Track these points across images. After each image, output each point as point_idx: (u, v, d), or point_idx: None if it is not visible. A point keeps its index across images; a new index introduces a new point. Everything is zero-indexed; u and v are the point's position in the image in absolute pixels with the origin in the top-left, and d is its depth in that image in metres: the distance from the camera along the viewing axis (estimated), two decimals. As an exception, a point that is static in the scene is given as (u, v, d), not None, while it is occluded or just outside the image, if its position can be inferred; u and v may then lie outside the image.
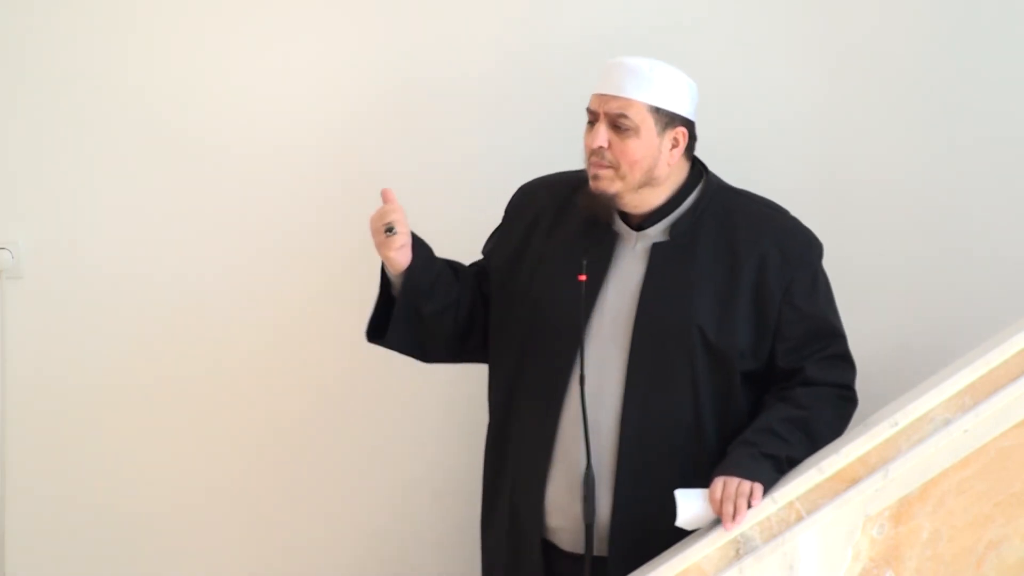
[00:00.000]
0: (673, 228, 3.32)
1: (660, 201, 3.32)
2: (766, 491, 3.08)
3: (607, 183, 3.28)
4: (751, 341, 3.27)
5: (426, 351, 3.46)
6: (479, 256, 3.52)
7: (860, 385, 3.35)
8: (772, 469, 3.12)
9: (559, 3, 3.82)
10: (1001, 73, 3.72)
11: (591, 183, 3.30)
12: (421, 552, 3.94)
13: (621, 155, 3.27)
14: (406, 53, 3.86)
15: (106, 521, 4.01)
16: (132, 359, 3.98)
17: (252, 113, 3.91)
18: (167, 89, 3.92)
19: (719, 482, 3.10)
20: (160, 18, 3.91)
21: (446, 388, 3.89)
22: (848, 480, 3.05)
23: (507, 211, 3.50)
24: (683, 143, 3.30)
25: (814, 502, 3.05)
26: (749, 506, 3.05)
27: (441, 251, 3.43)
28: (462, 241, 3.54)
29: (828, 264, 3.36)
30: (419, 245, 3.35)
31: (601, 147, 3.27)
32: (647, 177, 3.29)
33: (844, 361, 3.32)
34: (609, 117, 3.27)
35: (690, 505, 3.11)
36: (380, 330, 3.41)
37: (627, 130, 3.26)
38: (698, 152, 3.37)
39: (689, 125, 3.32)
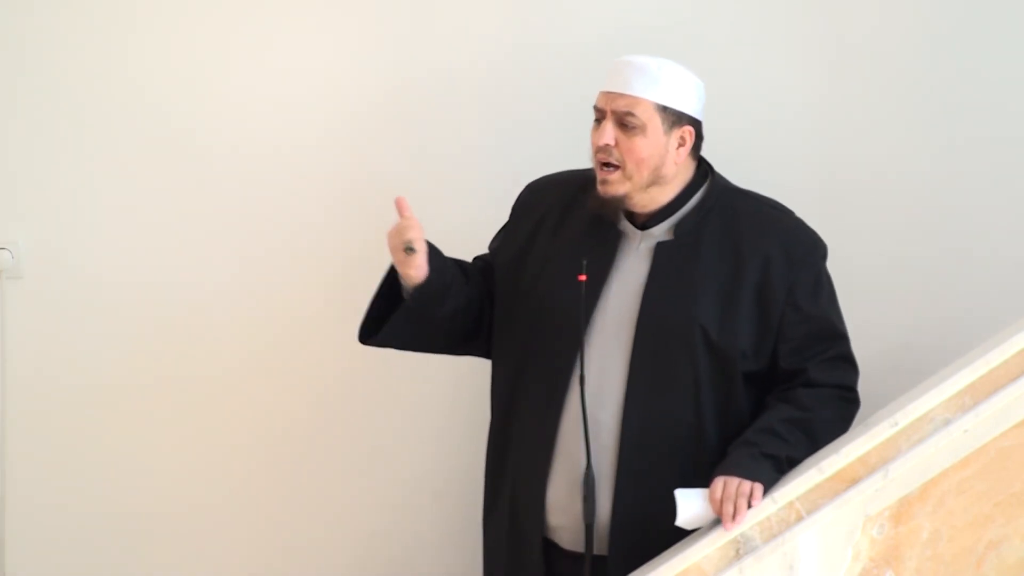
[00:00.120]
0: (678, 227, 3.32)
1: (667, 200, 3.32)
2: (766, 491, 3.08)
3: (616, 186, 3.28)
4: (753, 341, 3.27)
5: (429, 347, 3.47)
6: (482, 252, 3.52)
7: (860, 385, 3.35)
8: (772, 469, 3.12)
9: (560, 3, 3.82)
10: (1001, 73, 3.72)
11: (599, 188, 3.30)
12: (422, 552, 3.94)
13: (628, 153, 3.27)
14: (408, 52, 3.86)
15: (106, 521, 4.01)
16: (132, 359, 3.98)
17: (252, 113, 3.91)
18: (167, 89, 3.92)
19: (719, 482, 3.10)
20: (160, 18, 3.91)
21: (447, 388, 3.89)
22: (848, 480, 3.05)
23: (514, 209, 3.50)
24: (690, 142, 3.30)
25: (814, 502, 3.05)
26: (749, 506, 3.05)
27: (445, 250, 3.43)
28: (466, 240, 3.54)
29: (828, 264, 3.36)
30: (432, 252, 3.35)
31: (608, 145, 3.27)
32: (654, 176, 3.29)
33: (846, 362, 3.32)
34: (616, 115, 3.27)
35: (690, 505, 3.11)
36: (374, 326, 3.40)
37: (634, 128, 3.26)
38: (698, 152, 3.38)
39: (696, 124, 3.32)
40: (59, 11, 3.93)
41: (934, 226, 3.76)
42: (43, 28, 3.93)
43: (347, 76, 3.89)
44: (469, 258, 3.51)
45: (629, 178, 3.28)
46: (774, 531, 3.06)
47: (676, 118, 3.29)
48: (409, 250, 3.27)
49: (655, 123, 3.27)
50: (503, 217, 3.52)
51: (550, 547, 3.33)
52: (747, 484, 3.07)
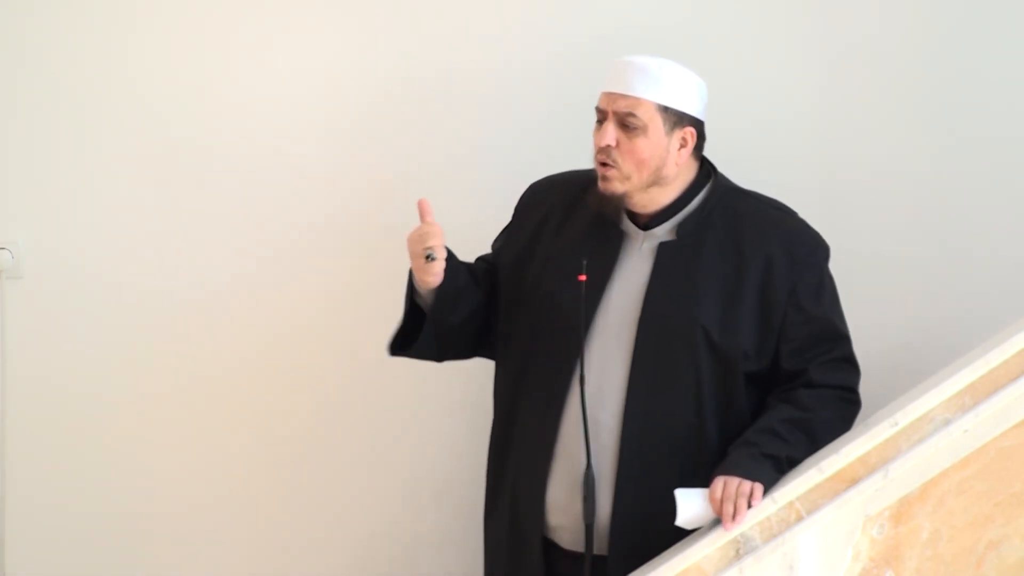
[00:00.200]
0: (680, 228, 3.32)
1: (668, 200, 3.32)
2: (766, 491, 3.08)
3: (615, 184, 3.28)
4: (755, 342, 3.27)
5: (443, 353, 3.47)
6: (486, 253, 3.52)
7: (860, 385, 3.35)
8: (772, 469, 3.12)
9: (561, 3, 3.82)
10: (1001, 73, 3.72)
11: (599, 184, 3.30)
12: (423, 552, 3.94)
13: (629, 154, 3.27)
14: (409, 53, 3.86)
15: (106, 521, 4.01)
16: (132, 359, 3.98)
17: (253, 113, 3.91)
18: (167, 89, 3.92)
19: (719, 482, 3.10)
20: (160, 18, 3.91)
21: (448, 389, 3.89)
22: (848, 480, 3.05)
23: (516, 209, 3.50)
24: (691, 143, 3.30)
25: (814, 502, 3.05)
26: (749, 506, 3.05)
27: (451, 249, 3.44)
28: (468, 241, 3.54)
29: (829, 264, 3.36)
30: (447, 256, 3.35)
31: (609, 146, 3.27)
32: (655, 176, 3.29)
33: (848, 363, 3.32)
34: (618, 116, 3.27)
35: (690, 505, 3.11)
36: (403, 341, 3.40)
37: (635, 129, 3.26)
38: (698, 152, 3.38)
39: (698, 125, 3.32)
40: (59, 11, 3.93)
41: (934, 226, 3.76)
42: (43, 28, 3.93)
43: (348, 77, 3.89)
44: (471, 258, 3.51)
45: (628, 178, 3.28)
46: (774, 531, 3.06)
47: (678, 119, 3.29)
48: (429, 258, 3.27)
49: (656, 124, 3.27)
50: (505, 217, 3.52)
51: (550, 547, 3.33)
52: (747, 484, 3.07)
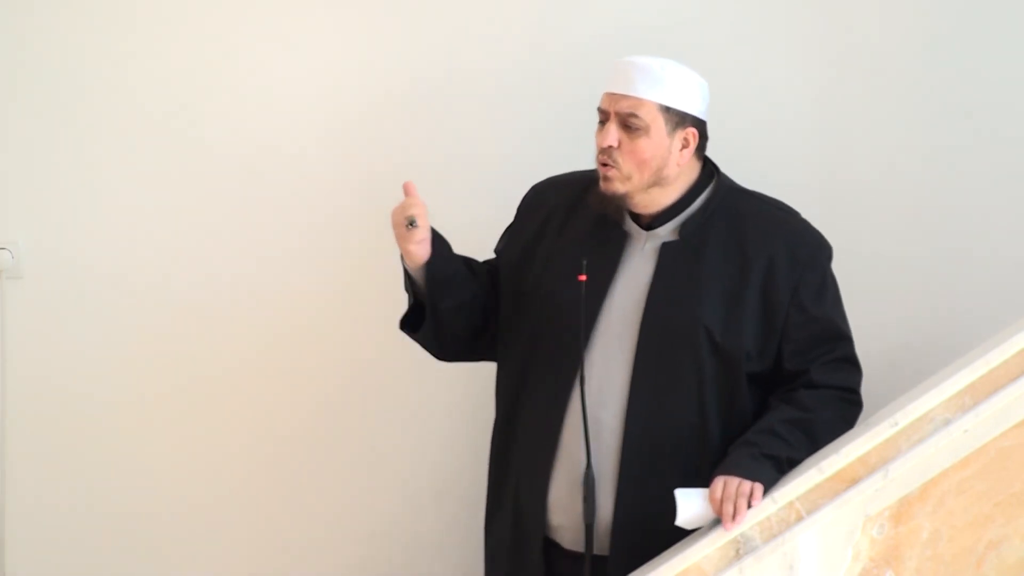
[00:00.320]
0: (683, 228, 3.32)
1: (670, 201, 3.32)
2: (766, 491, 3.08)
3: (616, 184, 3.28)
4: (758, 342, 3.27)
5: (442, 346, 3.46)
6: (489, 254, 3.52)
7: (861, 385, 3.35)
8: (773, 469, 3.12)
9: (562, 3, 3.82)
10: (1001, 73, 3.72)
11: (601, 184, 3.30)
12: (424, 551, 3.94)
13: (630, 154, 3.27)
14: (411, 53, 3.86)
15: (106, 522, 4.01)
16: (132, 359, 3.98)
17: (254, 112, 3.91)
18: (168, 88, 3.92)
19: (719, 482, 3.10)
20: (161, 18, 3.91)
21: (449, 389, 3.89)
22: (848, 480, 3.05)
23: (519, 210, 3.50)
24: (693, 143, 3.30)
25: (814, 502, 3.05)
26: (749, 506, 3.05)
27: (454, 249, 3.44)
28: (471, 241, 3.54)
29: (829, 264, 3.37)
30: (438, 240, 3.35)
31: (611, 146, 3.27)
32: (656, 177, 3.29)
33: (850, 364, 3.32)
34: (620, 116, 3.27)
35: (690, 504, 3.11)
36: (414, 322, 3.41)
37: (637, 129, 3.26)
38: (699, 152, 3.38)
39: (700, 125, 3.32)
40: (59, 11, 3.93)
41: (934, 226, 3.76)
42: (43, 28, 3.93)
43: (348, 77, 3.88)
44: (477, 257, 3.50)
45: (628, 178, 3.28)
46: (774, 531, 3.05)
47: (680, 119, 3.28)
48: (411, 224, 3.27)
49: (658, 124, 3.27)
50: (506, 218, 3.52)
51: (551, 547, 3.33)
52: (747, 484, 3.07)
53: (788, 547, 3.04)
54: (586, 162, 3.43)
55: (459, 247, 3.45)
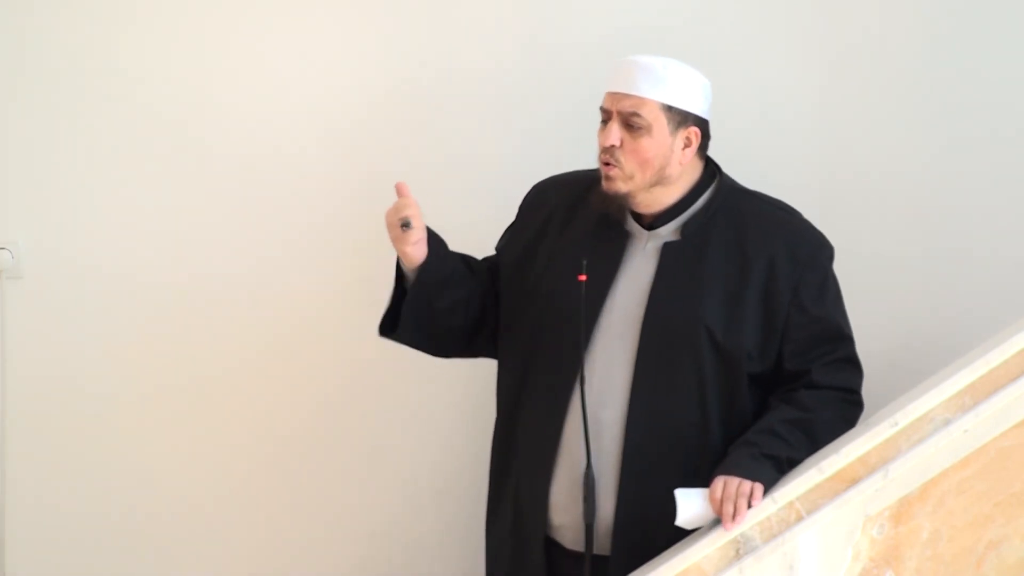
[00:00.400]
0: (684, 228, 3.31)
1: (673, 200, 3.32)
2: (766, 492, 3.08)
3: (619, 183, 3.28)
4: (759, 342, 3.27)
5: (437, 345, 3.47)
6: (488, 254, 3.52)
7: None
8: (773, 470, 3.12)
9: (563, 3, 3.82)
10: (1001, 73, 3.72)
11: (603, 183, 3.30)
12: (425, 552, 3.94)
13: (633, 154, 3.27)
14: (412, 53, 3.86)
15: (106, 522, 4.01)
16: (133, 359, 3.98)
17: (254, 112, 3.91)
18: (168, 88, 3.92)
19: (719, 482, 3.10)
20: (161, 17, 3.91)
21: (450, 389, 3.89)
22: (848, 480, 3.05)
23: (520, 209, 3.50)
24: (696, 142, 3.30)
25: (814, 502, 3.05)
26: (749, 506, 3.05)
27: (452, 248, 3.43)
28: (472, 241, 3.54)
29: (828, 264, 3.37)
30: (434, 240, 3.36)
31: (613, 145, 3.27)
32: (658, 176, 3.29)
33: (851, 365, 3.32)
34: (622, 115, 3.27)
35: (690, 504, 3.11)
36: (393, 324, 3.40)
37: (639, 129, 3.26)
38: (699, 152, 3.38)
39: (702, 124, 3.31)
40: (59, 11, 3.93)
41: (934, 226, 3.76)
42: (43, 28, 3.93)
43: (350, 77, 3.88)
44: (477, 258, 3.51)
45: (631, 177, 3.28)
46: (774, 531, 3.05)
47: (682, 118, 3.28)
48: (405, 226, 3.27)
49: (661, 123, 3.27)
50: (506, 218, 3.52)
51: (552, 546, 3.33)
52: (747, 484, 3.07)
53: (788, 547, 3.04)
54: (587, 162, 3.43)
55: (459, 247, 3.45)
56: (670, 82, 3.27)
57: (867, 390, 3.35)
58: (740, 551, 3.06)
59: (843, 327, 3.32)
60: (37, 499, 4.02)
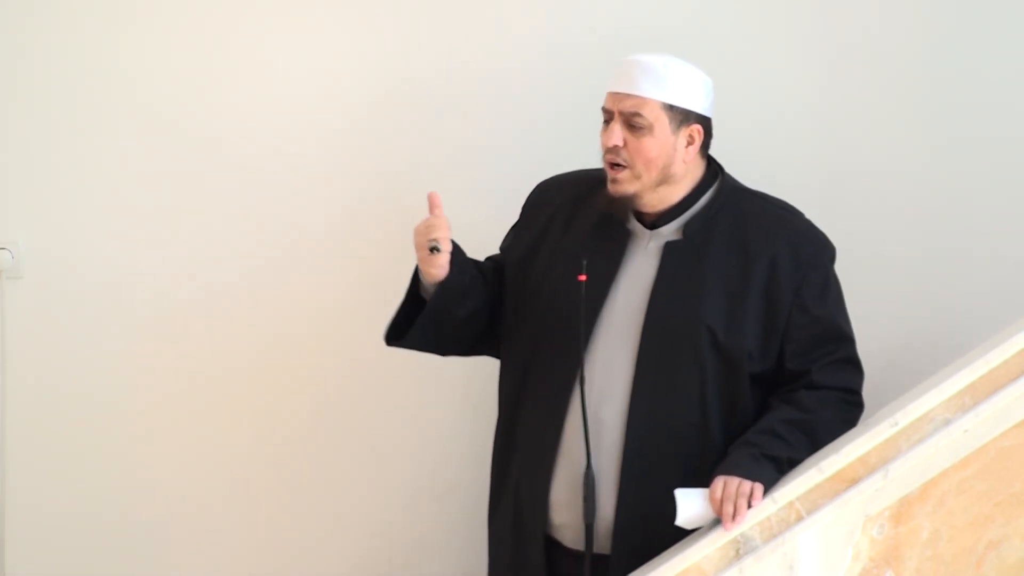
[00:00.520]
0: (686, 227, 3.31)
1: (677, 198, 3.32)
2: (766, 492, 3.08)
3: (625, 185, 3.29)
4: (760, 342, 3.27)
5: (444, 348, 3.47)
6: (491, 253, 3.52)
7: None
8: (773, 470, 3.12)
9: (563, 3, 3.82)
10: (1001, 73, 3.72)
11: (609, 186, 3.30)
12: (426, 552, 3.94)
13: (636, 153, 3.27)
14: (415, 53, 3.86)
15: (107, 522, 4.01)
16: (132, 359, 3.98)
17: (255, 112, 3.91)
18: (168, 88, 3.92)
19: (719, 482, 3.10)
20: (161, 17, 3.91)
21: (451, 389, 3.89)
22: (848, 480, 3.05)
23: (524, 208, 3.51)
24: (699, 140, 3.30)
25: (814, 502, 3.05)
26: (749, 506, 3.05)
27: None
28: (473, 240, 3.53)
29: (828, 264, 3.37)
30: (454, 251, 3.35)
31: (616, 146, 3.27)
32: (663, 175, 3.29)
33: (851, 365, 3.32)
34: (623, 116, 3.27)
35: (690, 504, 3.11)
36: (400, 331, 3.40)
37: (641, 128, 3.26)
38: (700, 152, 3.38)
39: (704, 122, 3.31)
40: (59, 11, 3.93)
41: (934, 226, 3.76)
42: (43, 28, 3.93)
43: (349, 77, 3.88)
44: (478, 257, 3.51)
45: (638, 177, 3.28)
46: (774, 531, 3.05)
47: (684, 116, 3.28)
48: (434, 250, 3.27)
49: (662, 122, 3.27)
50: (509, 217, 3.52)
51: (553, 545, 3.33)
52: (747, 484, 3.07)
53: (788, 547, 3.04)
54: (588, 161, 3.43)
55: (462, 246, 3.45)
56: (671, 81, 3.27)
57: (867, 390, 3.35)
58: (740, 551, 3.06)
59: (844, 328, 3.32)
60: (37, 499, 4.02)
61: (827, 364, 3.27)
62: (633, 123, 3.27)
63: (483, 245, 3.53)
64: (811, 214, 3.39)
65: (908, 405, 3.05)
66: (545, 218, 3.43)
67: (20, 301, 3.99)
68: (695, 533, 3.11)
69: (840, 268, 3.37)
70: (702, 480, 3.15)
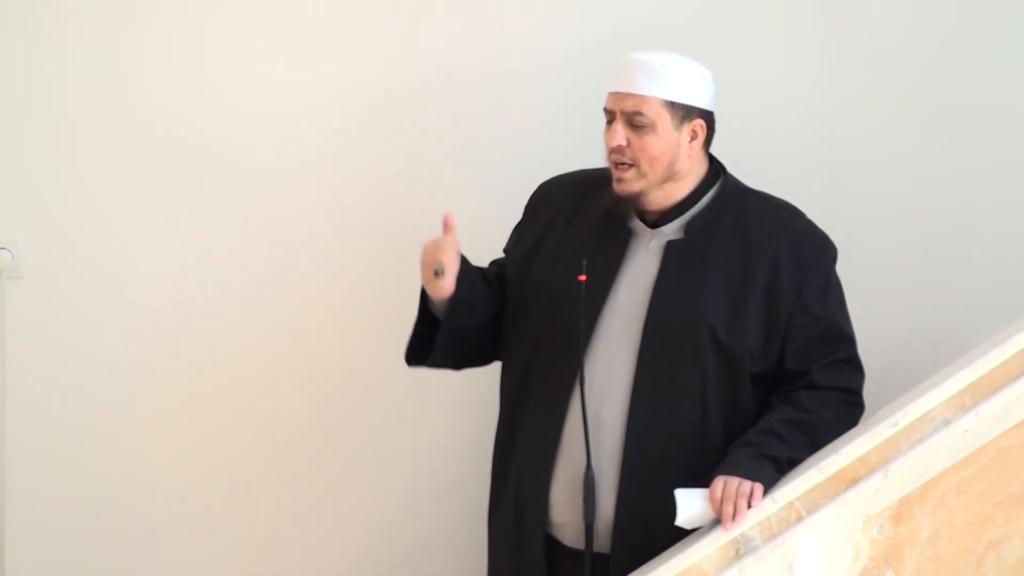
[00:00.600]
0: (688, 226, 3.31)
1: (681, 196, 3.32)
2: (766, 492, 3.08)
3: (631, 183, 3.29)
4: (761, 342, 3.27)
5: (459, 361, 3.47)
6: (493, 254, 3.52)
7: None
8: (773, 470, 3.12)
9: (563, 3, 3.82)
10: (1001, 73, 3.72)
11: (615, 186, 3.30)
12: (426, 551, 3.94)
13: (640, 152, 3.27)
14: (413, 53, 3.86)
15: (107, 522, 4.01)
16: (133, 359, 3.98)
17: (256, 113, 3.91)
18: (168, 89, 3.92)
19: (719, 482, 3.10)
20: (161, 17, 3.91)
21: (451, 389, 3.88)
22: (848, 480, 3.05)
23: (526, 208, 3.51)
24: (702, 135, 3.30)
25: (814, 502, 3.05)
26: (749, 506, 3.05)
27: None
28: (474, 240, 3.53)
29: (828, 264, 3.37)
30: (461, 263, 3.34)
31: (620, 146, 3.27)
32: (669, 172, 3.29)
33: (852, 365, 3.32)
34: (625, 115, 3.27)
35: (690, 504, 3.11)
36: (421, 352, 3.40)
37: (644, 127, 3.26)
38: (699, 152, 3.38)
39: (707, 116, 3.31)
40: (59, 11, 3.93)
41: (934, 226, 3.76)
42: (43, 28, 3.93)
43: (350, 77, 3.88)
44: (480, 258, 3.50)
45: (644, 175, 3.28)
46: (774, 531, 3.05)
47: (685, 112, 3.28)
48: (438, 273, 3.27)
49: (664, 120, 3.27)
50: (510, 218, 3.52)
51: (553, 544, 3.33)
52: (747, 484, 3.07)
53: (788, 547, 3.04)
54: (589, 161, 3.43)
55: (463, 247, 3.44)
56: (670, 78, 3.27)
57: (867, 390, 3.34)
58: (740, 551, 3.06)
59: (845, 328, 3.32)
60: (37, 499, 4.02)
61: (828, 364, 3.27)
62: (635, 122, 3.27)
63: (484, 245, 3.53)
64: (811, 214, 3.39)
65: (908, 405, 3.05)
66: (547, 218, 3.43)
67: (20, 301, 3.99)
68: (695, 533, 3.11)
69: (840, 268, 3.37)
70: (702, 480, 3.15)
